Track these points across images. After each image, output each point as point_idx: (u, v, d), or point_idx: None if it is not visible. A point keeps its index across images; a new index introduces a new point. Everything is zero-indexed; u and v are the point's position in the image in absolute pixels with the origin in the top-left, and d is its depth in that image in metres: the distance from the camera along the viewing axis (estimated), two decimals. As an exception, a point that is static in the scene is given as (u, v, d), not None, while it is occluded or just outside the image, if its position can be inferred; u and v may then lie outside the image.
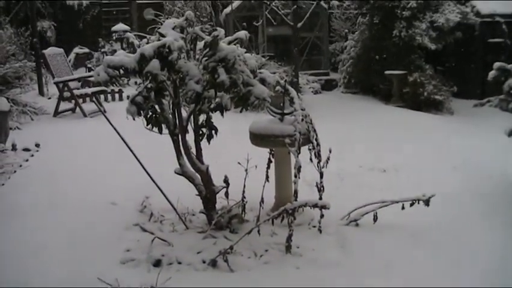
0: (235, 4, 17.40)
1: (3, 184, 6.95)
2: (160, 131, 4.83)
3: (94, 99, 12.61)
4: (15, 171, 7.55)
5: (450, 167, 7.87)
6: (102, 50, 18.56)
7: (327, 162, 5.12)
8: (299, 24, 13.29)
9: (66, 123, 11.56)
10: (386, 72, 14.32)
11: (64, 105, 12.37)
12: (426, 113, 13.19)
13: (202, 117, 4.97)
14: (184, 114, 4.94)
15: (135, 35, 15.39)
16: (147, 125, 4.78)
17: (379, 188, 6.77)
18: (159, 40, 4.56)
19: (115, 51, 17.01)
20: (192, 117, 4.89)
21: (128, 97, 13.24)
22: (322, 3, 15.37)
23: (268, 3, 13.51)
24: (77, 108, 12.34)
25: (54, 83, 12.31)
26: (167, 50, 4.35)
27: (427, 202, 5.30)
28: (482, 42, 15.31)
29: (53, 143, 9.33)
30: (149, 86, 4.52)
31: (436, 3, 14.46)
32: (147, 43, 4.84)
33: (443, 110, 13.81)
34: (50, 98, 14.11)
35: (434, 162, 8.18)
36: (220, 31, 4.55)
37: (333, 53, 18.61)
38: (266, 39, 17.22)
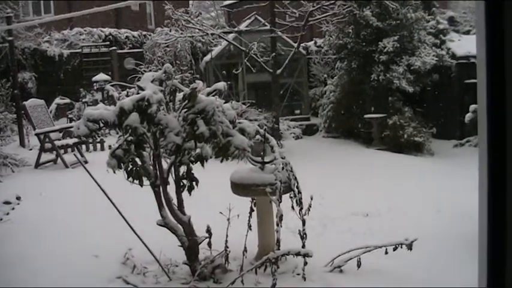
0: (215, 52, 17.58)
1: (-18, 239, 6.87)
2: (141, 184, 4.83)
3: (75, 150, 12.57)
4: (-5, 225, 7.48)
5: (432, 209, 7.92)
6: (84, 100, 18.55)
7: (309, 210, 5.13)
8: (278, 71, 13.43)
9: (48, 175, 11.48)
10: (366, 116, 14.47)
11: (45, 157, 12.30)
12: (407, 155, 13.30)
13: (183, 169, 4.98)
14: (165, 165, 4.95)
15: (116, 84, 15.50)
16: (128, 178, 4.77)
17: (362, 232, 6.79)
18: (138, 93, 4.59)
19: (96, 101, 17.10)
20: (172, 168, 4.90)
21: (109, 146, 13.33)
22: (300, 49, 15.56)
23: (247, 51, 13.64)
24: (59, 159, 12.28)
25: (35, 134, 12.27)
26: (146, 103, 4.39)
27: (409, 246, 5.32)
28: (459, 83, 15.57)
29: (34, 195, 9.25)
30: (129, 138, 4.54)
31: (412, 46, 14.72)
32: (127, 95, 4.87)
33: (424, 151, 13.94)
34: (31, 149, 14.04)
35: (416, 205, 8.23)
36: (199, 83, 4.60)
37: (312, 97, 18.76)
38: (246, 86, 17.36)
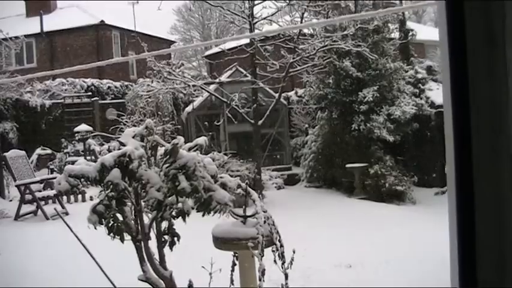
0: (197, 103, 17.70)
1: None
2: (122, 240, 4.80)
3: (56, 201, 12.49)
4: (-28, 281, 7.36)
5: (416, 259, 7.90)
6: (65, 150, 18.53)
7: (291, 263, 5.12)
8: (260, 121, 13.53)
9: (28, 227, 11.36)
10: (348, 165, 14.55)
11: (26, 208, 12.21)
12: (389, 204, 13.34)
13: (164, 224, 4.97)
14: (146, 220, 4.93)
15: (97, 135, 15.49)
16: (109, 233, 4.75)
17: (346, 284, 6.77)
18: (119, 149, 4.60)
19: (78, 151, 17.07)
20: (154, 223, 4.89)
21: (90, 198, 13.27)
22: (281, 99, 15.71)
23: (229, 102, 13.75)
24: (39, 211, 12.18)
25: (16, 185, 12.20)
26: (128, 159, 4.40)
27: (392, 299, 5.31)
28: (438, 132, 15.76)
29: (13, 249, 9.15)
30: (110, 194, 4.53)
31: (391, 96, 14.94)
32: (108, 150, 4.88)
33: (406, 200, 14.01)
34: (11, 201, 13.93)
35: (399, 255, 8.20)
36: (180, 139, 4.63)
37: (294, 147, 18.89)
38: (228, 137, 17.44)
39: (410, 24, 19.30)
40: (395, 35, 17.25)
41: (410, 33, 17.93)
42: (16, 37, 21.52)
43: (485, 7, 1.22)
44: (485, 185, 1.24)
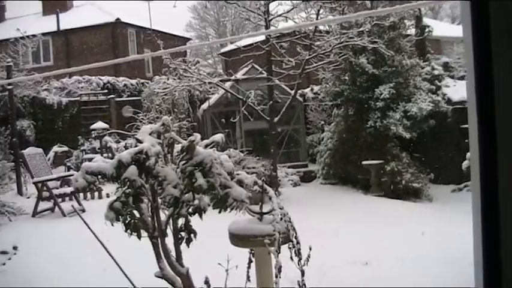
0: (212, 100, 17.72)
1: (-23, 291, 6.81)
2: (139, 237, 4.81)
3: (73, 198, 12.57)
4: (-9, 276, 7.42)
5: (432, 256, 7.86)
6: (82, 148, 18.61)
7: (308, 260, 5.10)
8: (276, 119, 13.51)
9: (45, 224, 11.44)
10: (364, 162, 14.50)
11: (43, 205, 12.29)
12: (405, 201, 13.27)
13: (181, 221, 4.97)
14: (163, 217, 4.94)
15: (114, 132, 15.55)
16: (126, 230, 4.76)
17: (362, 281, 6.74)
18: (136, 146, 4.61)
19: (94, 149, 17.14)
20: (171, 220, 4.89)
21: (107, 195, 13.33)
22: (297, 96, 15.67)
23: (245, 99, 13.74)
24: (56, 208, 12.26)
25: (33, 182, 12.28)
26: (144, 156, 4.41)
27: (409, 297, 5.28)
28: (455, 128, 15.66)
29: (31, 245, 9.22)
30: (127, 191, 4.54)
31: (408, 92, 14.86)
32: (125, 147, 4.89)
33: (422, 197, 13.93)
34: (29, 198, 14.05)
35: (416, 252, 8.17)
36: (197, 136, 4.63)
37: (310, 144, 18.84)
38: (244, 134, 17.44)
39: (426, 21, 19.15)
40: (412, 31, 17.16)
41: (426, 30, 17.81)
42: (33, 35, 21.70)
43: (510, 7, 1.20)
44: (510, 182, 1.23)
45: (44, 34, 25.02)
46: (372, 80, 15.03)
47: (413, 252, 8.20)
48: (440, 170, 15.59)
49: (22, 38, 21.01)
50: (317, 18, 13.22)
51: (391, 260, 7.76)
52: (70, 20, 31.15)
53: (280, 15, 13.77)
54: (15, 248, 8.84)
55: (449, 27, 36.54)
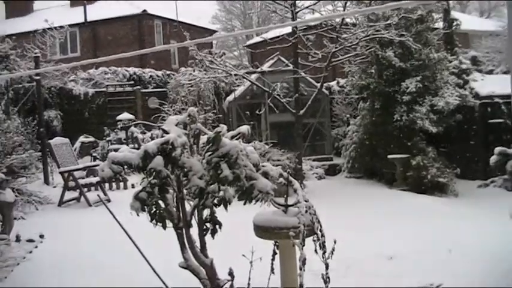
0: (238, 92, 17.71)
1: (5, 277, 6.88)
2: (164, 227, 4.83)
3: (99, 188, 12.67)
4: (18, 264, 7.50)
5: (457, 252, 7.77)
6: (108, 138, 18.74)
7: (332, 253, 5.08)
8: (301, 111, 13.47)
9: (71, 213, 11.57)
10: (390, 156, 14.40)
11: (69, 195, 12.42)
12: (430, 196, 13.16)
13: (206, 212, 4.98)
14: (188, 208, 4.96)
15: (139, 123, 15.63)
16: (151, 220, 4.78)
17: (386, 275, 6.69)
18: (162, 136, 4.63)
19: (120, 139, 17.24)
20: (196, 211, 4.91)
21: (132, 185, 13.42)
22: (323, 89, 15.60)
23: (270, 91, 13.71)
24: (82, 198, 12.37)
25: (60, 172, 12.40)
26: (170, 147, 4.42)
27: (435, 291, 5.24)
28: (482, 123, 15.49)
29: (57, 233, 9.32)
30: (153, 181, 4.56)
31: (435, 86, 14.71)
32: (151, 138, 4.91)
33: (448, 192, 13.80)
34: (55, 187, 14.20)
35: (441, 248, 8.07)
36: (223, 127, 4.63)
37: (335, 137, 18.77)
38: (269, 126, 17.43)
39: (454, 14, 18.93)
40: (439, 24, 16.97)
41: (454, 23, 17.59)
42: (61, 27, 21.86)
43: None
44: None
45: (71, 25, 25.19)
46: (398, 74, 14.91)
47: (438, 247, 8.10)
48: (467, 165, 15.42)
49: (50, 29, 21.20)
50: (344, 11, 13.15)
51: (416, 255, 7.69)
52: (97, 11, 31.36)
53: (307, 8, 13.71)
54: (41, 236, 8.97)
55: (477, 21, 36.15)
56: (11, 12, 36.73)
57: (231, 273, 5.20)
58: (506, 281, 6.35)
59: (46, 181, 14.81)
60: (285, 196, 5.37)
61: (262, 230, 5.37)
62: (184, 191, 4.91)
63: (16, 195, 10.38)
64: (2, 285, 6.63)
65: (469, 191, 13.96)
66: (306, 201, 5.13)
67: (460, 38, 19.35)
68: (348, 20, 14.07)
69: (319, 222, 5.13)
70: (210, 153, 4.63)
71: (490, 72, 19.88)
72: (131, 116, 18.67)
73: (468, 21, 26.92)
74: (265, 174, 4.95)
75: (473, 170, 15.36)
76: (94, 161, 17.01)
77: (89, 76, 22.73)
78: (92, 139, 19.23)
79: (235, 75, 13.89)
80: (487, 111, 15.63)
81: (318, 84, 14.36)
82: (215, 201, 4.80)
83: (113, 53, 24.70)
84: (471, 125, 15.75)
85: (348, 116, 18.60)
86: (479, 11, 47.78)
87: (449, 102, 14.28)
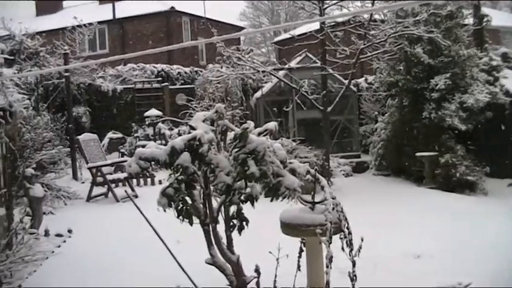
0: (265, 89, 17.68)
1: (35, 271, 6.95)
2: (190, 223, 4.84)
3: (126, 184, 12.76)
4: (47, 258, 7.57)
5: (486, 251, 7.68)
6: (135, 134, 18.85)
7: (359, 251, 5.05)
8: (329, 108, 13.40)
9: (99, 208, 11.67)
10: (418, 154, 14.26)
11: (97, 190, 12.53)
12: (459, 194, 13.00)
13: (233, 208, 4.98)
14: (215, 204, 4.96)
15: (167, 120, 15.68)
16: (178, 216, 4.79)
17: (413, 274, 6.63)
18: (189, 132, 4.63)
19: (147, 135, 17.34)
20: (222, 207, 4.91)
21: (159, 181, 13.49)
22: (351, 86, 15.51)
23: (298, 88, 13.66)
24: (110, 193, 12.47)
25: (88, 168, 12.51)
26: (197, 143, 4.42)
27: (463, 291, 5.18)
28: (513, 121, 15.30)
29: (85, 228, 9.41)
30: (180, 177, 4.57)
31: (464, 84, 14.51)
32: (179, 134, 4.92)
33: (477, 190, 13.61)
34: (83, 183, 14.33)
35: (469, 247, 7.97)
36: (250, 123, 4.62)
37: (363, 135, 18.66)
38: (296, 123, 17.38)
39: (485, 10, 18.66)
40: (469, 20, 16.74)
41: (485, 19, 17.33)
42: (90, 24, 22.02)
43: None
44: None
45: (100, 22, 25.39)
46: (427, 71, 14.74)
47: (466, 247, 8.01)
48: (497, 163, 15.20)
49: (79, 26, 21.37)
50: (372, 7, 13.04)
51: (444, 254, 7.61)
52: (125, 8, 31.56)
53: (335, 4, 13.63)
54: (69, 231, 9.05)
55: (508, 17, 35.65)
56: (40, 10, 37.19)
57: (257, 270, 5.19)
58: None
59: (74, 176, 14.97)
60: (312, 193, 5.35)
61: (289, 227, 5.36)
62: (211, 188, 4.92)
63: (45, 191, 10.51)
64: (31, 278, 6.70)
65: (498, 189, 13.77)
66: (333, 198, 5.11)
67: (490, 35, 19.07)
68: (376, 17, 13.96)
69: (346, 219, 5.10)
70: (237, 149, 4.63)
71: (521, 69, 19.58)
72: (159, 113, 18.75)
73: (499, 17, 26.58)
74: (293, 171, 4.94)
75: (503, 169, 15.14)
76: (122, 156, 17.13)
77: (117, 73, 22.88)
78: (120, 135, 19.36)
79: (263, 71, 13.87)
80: (519, 109, 15.43)
81: (346, 81, 14.27)
82: (242, 197, 4.80)
83: (141, 49, 24.84)
84: (501, 122, 15.51)
85: (376, 113, 18.48)
86: (511, 7, 47.12)
87: (479, 100, 14.08)
